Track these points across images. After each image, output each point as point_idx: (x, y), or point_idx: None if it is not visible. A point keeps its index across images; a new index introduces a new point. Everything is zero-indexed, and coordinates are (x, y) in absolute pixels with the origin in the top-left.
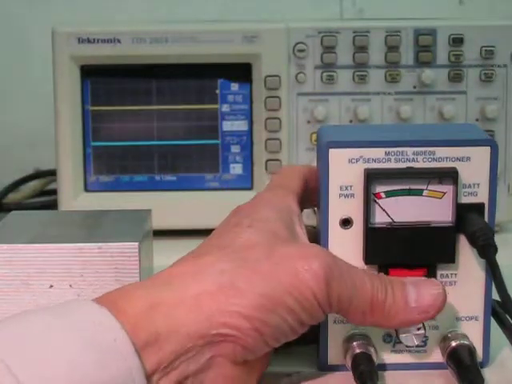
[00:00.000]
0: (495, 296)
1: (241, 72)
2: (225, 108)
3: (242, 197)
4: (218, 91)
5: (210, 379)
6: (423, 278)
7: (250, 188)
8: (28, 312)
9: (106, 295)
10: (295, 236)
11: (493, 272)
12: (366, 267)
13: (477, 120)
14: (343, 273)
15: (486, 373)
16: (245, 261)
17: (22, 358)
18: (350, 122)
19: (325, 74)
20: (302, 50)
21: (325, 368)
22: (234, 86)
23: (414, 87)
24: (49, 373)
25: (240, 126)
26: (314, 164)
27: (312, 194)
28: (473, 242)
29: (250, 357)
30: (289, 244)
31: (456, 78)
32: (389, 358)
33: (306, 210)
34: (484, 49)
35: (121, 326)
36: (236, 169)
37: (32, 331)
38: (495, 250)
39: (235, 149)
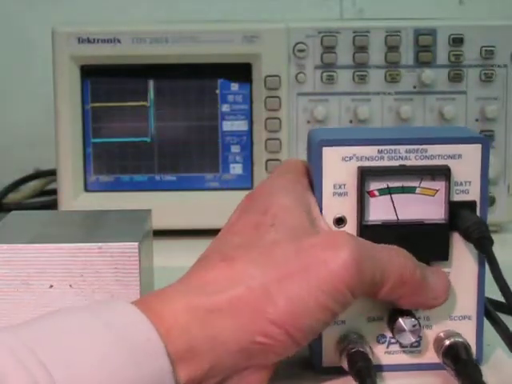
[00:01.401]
0: (488, 295)
1: (241, 72)
2: (225, 108)
3: (242, 197)
4: (218, 91)
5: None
6: (431, 266)
7: (250, 188)
8: (64, 309)
9: (142, 298)
10: (315, 223)
11: (490, 264)
12: None
13: (477, 120)
14: (370, 253)
15: None
16: (274, 263)
17: (56, 353)
18: (350, 122)
19: (325, 74)
20: (301, 50)
21: (319, 370)
22: (234, 86)
23: (414, 87)
24: (81, 369)
25: (240, 126)
26: None
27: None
28: (467, 236)
29: (280, 359)
30: (313, 235)
31: (456, 77)
32: (383, 359)
33: None
34: (484, 49)
35: (154, 328)
36: (236, 169)
37: (67, 328)
38: (491, 242)
39: (235, 149)
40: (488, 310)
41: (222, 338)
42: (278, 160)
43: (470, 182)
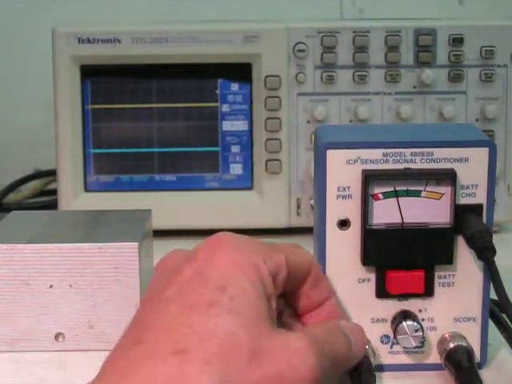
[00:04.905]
0: (493, 296)
1: (241, 72)
2: (225, 108)
3: (242, 197)
4: (218, 91)
5: None
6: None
7: (250, 188)
8: None
9: None
10: (273, 316)
11: (491, 274)
12: (363, 269)
13: (477, 120)
14: (329, 357)
15: (484, 374)
16: (230, 370)
17: None
18: (350, 122)
19: (325, 74)
20: (302, 50)
21: None
22: (234, 86)
23: (414, 87)
24: None
25: (240, 126)
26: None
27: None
28: (471, 244)
29: None
30: (273, 336)
31: (456, 78)
32: (386, 359)
33: (306, 209)
34: (484, 49)
35: None
36: (236, 169)
37: None
38: (494, 252)
39: (235, 149)
40: (493, 311)
41: None
42: (277, 160)
43: (476, 186)
